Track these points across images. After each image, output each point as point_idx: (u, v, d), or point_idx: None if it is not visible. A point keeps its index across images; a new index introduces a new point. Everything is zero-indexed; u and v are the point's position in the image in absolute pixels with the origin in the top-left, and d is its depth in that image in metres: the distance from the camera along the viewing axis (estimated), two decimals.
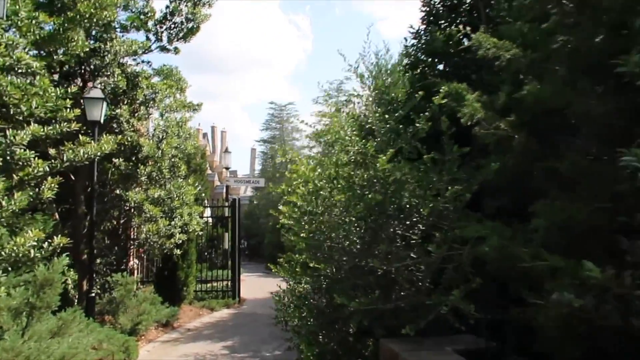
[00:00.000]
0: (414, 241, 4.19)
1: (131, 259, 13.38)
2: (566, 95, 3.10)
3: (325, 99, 44.08)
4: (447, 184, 3.90)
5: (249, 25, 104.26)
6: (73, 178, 10.13)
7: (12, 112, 6.08)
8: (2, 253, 5.77)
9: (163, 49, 11.78)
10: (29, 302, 6.10)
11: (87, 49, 9.48)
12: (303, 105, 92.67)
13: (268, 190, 35.81)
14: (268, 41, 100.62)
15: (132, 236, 12.47)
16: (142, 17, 11.23)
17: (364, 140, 4.49)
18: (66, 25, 7.12)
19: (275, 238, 30.55)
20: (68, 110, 7.06)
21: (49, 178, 6.44)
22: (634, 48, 2.65)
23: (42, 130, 6.40)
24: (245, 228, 32.38)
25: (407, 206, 4.17)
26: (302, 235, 5.24)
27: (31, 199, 6.05)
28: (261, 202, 43.02)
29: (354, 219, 4.39)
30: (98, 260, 10.72)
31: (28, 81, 6.31)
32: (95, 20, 7.92)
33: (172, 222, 11.24)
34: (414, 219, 4.22)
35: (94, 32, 10.32)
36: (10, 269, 6.27)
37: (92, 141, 8.06)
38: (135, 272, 14.00)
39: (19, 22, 6.17)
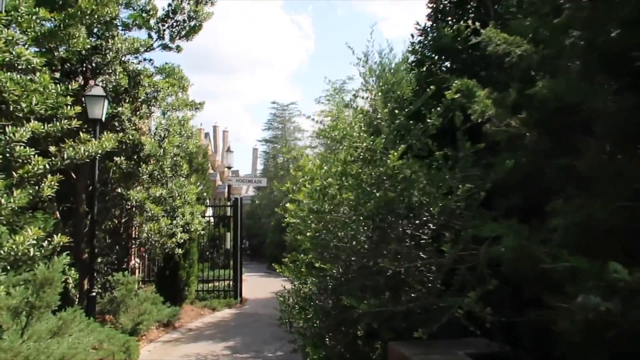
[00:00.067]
0: (424, 241, 4.08)
1: (132, 258, 13.31)
2: (582, 91, 2.99)
3: (328, 99, 44.01)
4: (460, 181, 3.78)
5: (251, 25, 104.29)
6: (74, 177, 10.07)
7: (11, 109, 5.99)
8: (1, 252, 5.69)
9: (165, 47, 11.70)
10: (28, 302, 6.02)
11: (89, 46, 9.43)
12: (305, 105, 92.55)
13: (272, 187, 35.83)
14: (270, 41, 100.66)
15: (133, 235, 12.39)
16: (144, 15, 11.14)
17: (372, 137, 4.39)
18: (67, 21, 7.04)
19: (277, 238, 30.54)
20: (69, 107, 6.98)
21: (49, 176, 6.36)
22: None
23: (42, 127, 6.32)
24: (246, 228, 32.31)
25: (417, 205, 4.05)
26: (308, 234, 5.13)
27: (31, 197, 5.96)
28: (263, 202, 43.02)
29: (361, 217, 4.28)
30: (99, 260, 10.65)
31: (28, 78, 6.21)
32: (96, 16, 7.83)
33: (174, 221, 11.16)
34: (424, 218, 4.11)
35: (95, 30, 10.27)
36: (10, 267, 6.19)
37: (93, 139, 7.96)
38: (137, 271, 13.93)
39: (19, 18, 6.08)
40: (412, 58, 6.12)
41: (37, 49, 7.58)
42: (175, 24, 11.47)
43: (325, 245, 4.79)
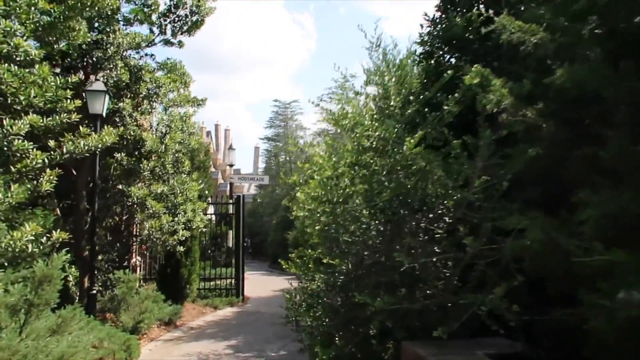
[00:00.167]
0: (438, 235, 3.91)
1: (133, 255, 13.18)
2: (606, 77, 2.84)
3: (330, 97, 43.80)
4: (480, 172, 3.62)
5: (253, 24, 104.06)
6: (75, 173, 9.95)
7: (9, 102, 5.84)
8: None
9: (167, 42, 11.56)
10: (27, 299, 5.89)
11: (89, 40, 9.29)
12: (307, 104, 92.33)
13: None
14: (272, 40, 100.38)
15: (134, 232, 12.26)
16: (145, 9, 10.99)
17: (384, 126, 4.22)
18: (67, 13, 6.88)
19: (278, 236, 30.45)
20: (68, 101, 6.83)
21: (48, 170, 6.21)
22: None
23: (41, 120, 6.17)
24: (248, 226, 32.25)
25: (433, 197, 3.88)
26: (316, 227, 4.96)
27: (29, 192, 5.81)
28: (265, 201, 42.99)
29: (374, 210, 4.11)
30: (100, 257, 10.53)
31: (27, 70, 6.07)
32: (97, 8, 7.68)
33: (176, 219, 11.03)
34: (439, 211, 3.95)
35: (96, 25, 10.14)
36: (8, 264, 6.07)
37: (94, 133, 7.81)
38: (138, 269, 13.80)
39: (18, 9, 5.93)
40: (420, 50, 5.96)
41: (36, 43, 7.45)
42: (177, 18, 11.33)
43: (335, 239, 4.62)
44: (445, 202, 3.86)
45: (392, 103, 4.37)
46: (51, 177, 6.17)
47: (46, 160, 6.27)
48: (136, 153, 10.47)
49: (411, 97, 4.30)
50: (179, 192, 11.05)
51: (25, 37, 6.03)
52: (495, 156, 3.66)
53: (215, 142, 50.05)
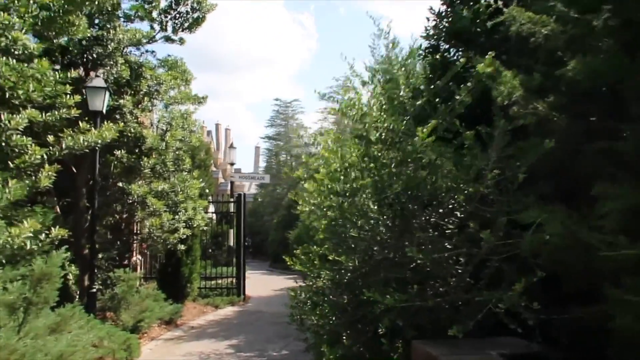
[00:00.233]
0: (449, 230, 3.80)
1: (134, 254, 13.09)
2: (622, 67, 2.75)
3: (332, 96, 43.67)
4: (494, 164, 3.50)
5: (254, 24, 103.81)
6: (75, 170, 9.86)
7: (7, 96, 5.74)
8: None
9: (168, 39, 11.49)
10: (25, 297, 5.80)
11: (90, 36, 9.22)
12: (308, 104, 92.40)
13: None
14: (272, 40, 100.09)
15: (135, 231, 12.17)
16: (146, 6, 10.91)
17: (393, 117, 4.11)
18: (66, 7, 6.78)
19: (279, 236, 30.41)
20: (68, 96, 6.73)
21: (47, 166, 6.10)
22: None
23: (40, 115, 6.07)
24: (249, 226, 32.21)
25: (444, 191, 3.77)
26: (323, 222, 4.84)
27: (28, 188, 5.72)
28: (265, 200, 42.97)
29: (381, 205, 4.00)
30: (100, 255, 10.44)
31: (26, 65, 5.97)
32: (97, 4, 7.59)
33: (176, 217, 10.95)
34: (449, 206, 3.83)
35: (97, 21, 10.07)
36: (7, 262, 5.97)
37: (93, 128, 7.72)
38: (138, 267, 13.72)
39: (16, 2, 5.84)
40: (425, 44, 5.84)
41: (35, 39, 7.35)
42: (178, 15, 11.26)
43: (342, 234, 4.49)
44: (455, 196, 3.74)
45: (401, 93, 4.25)
46: (50, 173, 6.07)
47: (45, 156, 6.17)
48: (136, 150, 10.39)
49: (422, 87, 4.18)
50: (179, 190, 10.96)
51: (24, 31, 5.92)
52: (510, 147, 3.53)
53: (216, 142, 49.98)
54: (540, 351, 3.46)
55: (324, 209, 4.83)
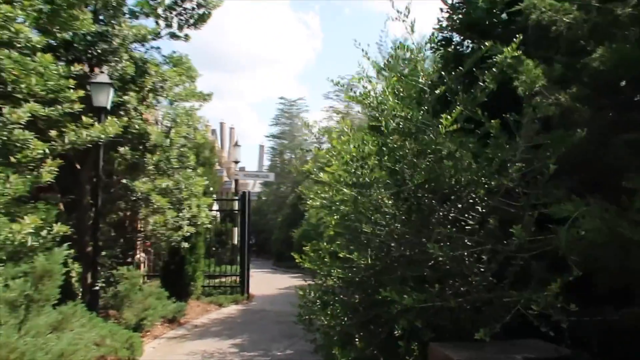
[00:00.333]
0: (469, 226, 3.64)
1: (137, 252, 13.00)
2: None
3: (337, 94, 43.73)
4: (522, 154, 3.34)
5: (259, 23, 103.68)
6: (78, 167, 9.78)
7: (9, 90, 5.64)
8: None
9: (173, 35, 11.41)
10: (27, 295, 5.71)
11: (94, 31, 9.13)
12: (312, 104, 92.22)
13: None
14: (277, 40, 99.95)
15: (138, 228, 12.06)
16: (151, 2, 10.83)
17: (410, 106, 3.94)
18: (71, 0, 6.68)
19: (283, 234, 30.32)
20: (71, 90, 6.63)
21: (48, 160, 5.99)
22: None
23: (42, 109, 5.96)
24: (253, 224, 32.20)
25: (464, 184, 3.60)
26: (335, 217, 4.67)
27: (29, 184, 5.61)
28: (269, 198, 42.92)
29: (396, 199, 3.84)
30: (103, 253, 10.35)
31: (29, 58, 5.87)
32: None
33: (180, 214, 10.83)
34: (470, 200, 3.67)
35: (102, 17, 9.98)
36: (9, 259, 5.88)
37: (96, 123, 7.60)
38: (142, 265, 13.62)
39: None
40: (438, 37, 5.68)
41: (39, 34, 7.25)
42: (183, 11, 11.18)
43: (355, 230, 4.32)
44: (475, 190, 3.58)
45: (420, 80, 4.09)
46: (52, 168, 5.96)
47: (47, 151, 6.07)
48: (141, 147, 10.28)
49: (443, 72, 4.02)
50: (183, 187, 10.84)
51: (27, 24, 5.82)
52: (539, 137, 3.34)
53: (220, 141, 49.95)
54: (569, 355, 3.26)
55: (337, 203, 4.66)
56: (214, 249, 18.56)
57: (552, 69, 3.51)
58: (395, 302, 3.33)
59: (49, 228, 5.95)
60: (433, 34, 5.40)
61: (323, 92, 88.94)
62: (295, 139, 45.93)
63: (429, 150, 3.66)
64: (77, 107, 6.67)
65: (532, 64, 3.30)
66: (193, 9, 11.21)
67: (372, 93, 4.19)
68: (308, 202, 5.69)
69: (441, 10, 5.74)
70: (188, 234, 11.21)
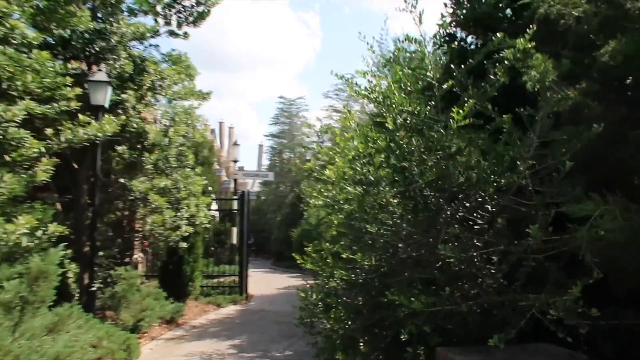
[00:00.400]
0: (478, 226, 3.52)
1: (135, 252, 12.89)
2: None
3: (337, 93, 43.67)
4: (536, 150, 3.21)
5: (258, 23, 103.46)
6: (76, 167, 9.67)
7: (4, 87, 5.53)
8: None
9: (172, 33, 11.31)
10: (22, 297, 5.60)
11: (92, 29, 9.03)
12: (312, 103, 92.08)
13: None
14: (277, 39, 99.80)
15: (136, 228, 11.96)
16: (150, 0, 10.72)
17: (418, 101, 3.82)
18: None
19: (282, 234, 30.24)
20: (68, 88, 6.52)
21: (44, 159, 5.88)
22: None
23: (38, 107, 5.85)
24: (252, 223, 32.14)
25: (474, 182, 3.48)
26: (338, 216, 4.53)
27: (24, 183, 5.50)
28: (269, 198, 42.86)
29: (401, 197, 3.72)
30: (101, 253, 10.23)
31: (25, 55, 5.76)
32: None
33: (179, 214, 10.73)
34: (479, 199, 3.56)
35: (100, 15, 9.88)
36: (4, 260, 5.77)
37: (93, 121, 7.48)
38: (139, 266, 13.50)
39: None
40: (441, 32, 5.55)
41: (36, 29, 7.14)
42: (182, 9, 11.07)
43: (360, 230, 4.19)
44: (484, 188, 3.45)
45: (429, 73, 3.98)
46: (47, 167, 5.84)
47: (43, 149, 5.96)
48: (139, 146, 10.17)
49: (452, 65, 3.90)
50: (182, 186, 10.74)
51: (23, 20, 5.71)
52: (554, 132, 3.21)
53: (219, 140, 49.88)
54: None
55: (341, 202, 4.53)
56: (212, 248, 18.47)
57: (560, 64, 3.41)
58: (403, 306, 3.21)
59: (44, 228, 5.84)
60: (439, 29, 5.27)
61: (322, 91, 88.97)
62: (295, 138, 45.85)
63: (437, 148, 3.54)
64: (74, 105, 6.56)
65: (541, 57, 3.20)
66: (192, 6, 11.10)
67: (377, 88, 4.06)
68: (310, 201, 5.56)
69: (445, 5, 5.64)
70: (186, 233, 11.12)
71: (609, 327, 2.76)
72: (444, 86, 3.80)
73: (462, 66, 4.02)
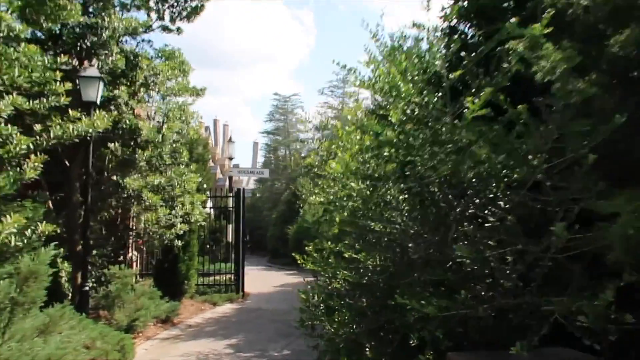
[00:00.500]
0: (489, 223, 3.37)
1: (129, 250, 12.73)
2: None
3: (332, 90, 43.51)
4: (554, 143, 3.06)
5: (252, 20, 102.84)
6: (68, 164, 9.49)
7: None
8: None
9: (165, 28, 11.12)
10: (11, 298, 5.44)
11: (83, 23, 8.86)
12: (307, 100, 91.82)
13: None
14: (271, 36, 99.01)
15: (130, 226, 11.80)
16: None
17: (425, 92, 3.67)
18: None
19: (278, 231, 30.15)
20: (58, 83, 6.33)
21: (32, 156, 5.70)
22: None
23: (26, 102, 5.67)
24: (247, 221, 32.04)
25: (484, 177, 3.33)
26: (341, 214, 4.36)
27: (12, 180, 5.32)
28: (264, 195, 42.77)
29: (407, 194, 3.56)
30: (94, 252, 10.08)
31: (12, 48, 5.58)
32: None
33: (173, 211, 10.59)
34: (490, 195, 3.41)
35: (91, 9, 9.69)
36: None
37: (84, 117, 7.28)
38: (134, 264, 13.35)
39: None
40: (443, 25, 5.41)
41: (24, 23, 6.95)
42: (176, 3, 10.88)
43: (363, 228, 4.02)
44: (495, 184, 3.30)
45: (437, 62, 3.83)
46: (36, 164, 5.66)
47: (32, 146, 5.78)
48: (132, 143, 10.00)
49: (463, 53, 3.75)
50: (176, 183, 10.59)
51: (9, 11, 5.53)
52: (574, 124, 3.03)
53: (214, 137, 49.60)
54: None
55: (344, 199, 4.36)
56: (208, 246, 18.32)
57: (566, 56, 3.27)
58: (413, 310, 3.04)
59: (33, 227, 5.67)
60: (444, 20, 5.12)
61: (317, 88, 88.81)
62: (290, 135, 45.72)
63: (447, 140, 3.39)
64: (64, 100, 6.37)
65: (552, 47, 3.06)
66: (186, 1, 10.93)
67: (382, 77, 3.90)
68: (311, 198, 5.40)
69: None
70: (181, 231, 10.98)
71: (634, 331, 2.62)
72: (452, 75, 3.64)
73: (466, 60, 3.88)
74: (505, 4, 4.71)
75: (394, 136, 3.75)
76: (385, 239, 4.04)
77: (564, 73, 2.74)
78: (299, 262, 5.52)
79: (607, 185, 2.78)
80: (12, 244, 5.26)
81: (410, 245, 3.66)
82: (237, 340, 9.76)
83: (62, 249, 8.65)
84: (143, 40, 11.05)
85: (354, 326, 4.19)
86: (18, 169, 5.64)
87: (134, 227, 11.63)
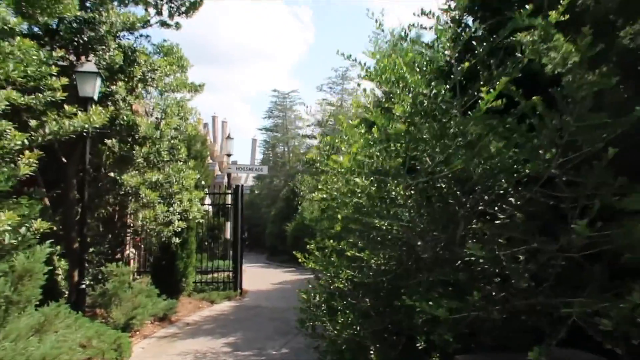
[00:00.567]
0: (499, 221, 3.27)
1: (127, 247, 12.63)
2: None
3: (330, 86, 43.35)
4: (569, 137, 2.95)
5: (251, 17, 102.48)
6: (65, 161, 9.39)
7: None
8: None
9: (163, 23, 10.98)
10: (6, 296, 5.34)
11: (80, 18, 8.75)
12: (305, 97, 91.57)
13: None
14: (269, 33, 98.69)
15: (128, 223, 11.70)
16: None
17: (433, 83, 3.56)
18: None
19: (276, 228, 30.07)
20: (54, 78, 6.23)
21: (27, 152, 5.59)
22: None
23: (21, 97, 5.56)
24: (245, 218, 31.94)
25: (495, 172, 3.22)
26: (344, 211, 4.24)
27: (7, 177, 5.21)
28: (263, 192, 42.68)
29: (413, 190, 3.45)
30: (91, 249, 9.99)
31: (6, 42, 5.46)
32: None
33: (171, 208, 10.48)
34: (500, 191, 3.30)
35: (88, 4, 9.57)
36: None
37: (80, 112, 7.17)
38: (131, 262, 13.25)
39: None
40: (445, 19, 5.31)
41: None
42: None
43: (367, 225, 3.91)
44: (504, 179, 3.19)
45: (447, 52, 3.72)
46: (31, 160, 5.55)
47: (27, 142, 5.67)
48: (129, 139, 9.90)
49: (474, 42, 3.64)
50: (174, 180, 10.48)
51: (3, 5, 5.42)
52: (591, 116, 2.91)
53: (212, 134, 49.44)
54: None
55: (348, 195, 4.24)
56: (206, 243, 18.22)
57: (577, 48, 3.18)
58: (422, 312, 2.94)
59: (28, 225, 5.57)
60: (449, 13, 5.01)
61: (316, 85, 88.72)
62: (289, 131, 45.59)
63: (457, 133, 3.28)
64: (60, 95, 6.26)
65: (562, 39, 2.97)
66: None
67: (388, 68, 3.79)
68: (312, 195, 5.29)
69: None
70: (179, 228, 10.88)
71: None
72: (463, 66, 3.53)
73: (476, 50, 3.77)
74: None
75: (405, 128, 3.63)
76: (390, 237, 3.93)
77: (575, 65, 2.63)
78: (299, 260, 5.41)
79: (627, 181, 2.68)
80: (7, 241, 5.15)
81: (419, 243, 3.54)
82: (235, 338, 9.67)
83: (58, 247, 8.58)
84: (141, 36, 10.91)
85: (358, 328, 4.07)
86: (12, 165, 5.54)
87: (132, 225, 11.53)
